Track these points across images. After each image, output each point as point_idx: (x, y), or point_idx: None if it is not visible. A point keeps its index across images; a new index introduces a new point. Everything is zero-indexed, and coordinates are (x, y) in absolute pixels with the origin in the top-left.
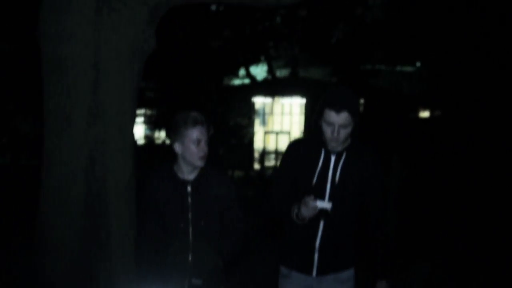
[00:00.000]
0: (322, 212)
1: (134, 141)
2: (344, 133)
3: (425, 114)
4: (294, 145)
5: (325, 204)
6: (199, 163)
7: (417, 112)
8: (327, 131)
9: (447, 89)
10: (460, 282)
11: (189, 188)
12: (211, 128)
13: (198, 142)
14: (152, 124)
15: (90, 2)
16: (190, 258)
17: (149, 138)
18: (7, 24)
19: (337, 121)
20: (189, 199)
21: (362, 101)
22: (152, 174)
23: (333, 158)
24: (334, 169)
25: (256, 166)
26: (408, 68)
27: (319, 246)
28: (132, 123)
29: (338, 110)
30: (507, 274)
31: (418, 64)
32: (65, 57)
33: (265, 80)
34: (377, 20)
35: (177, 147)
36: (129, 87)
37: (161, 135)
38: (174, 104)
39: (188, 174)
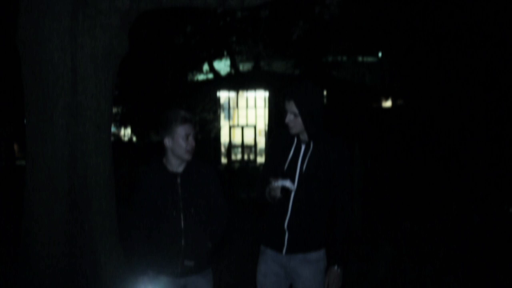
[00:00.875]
0: (284, 190)
1: (110, 138)
2: (295, 120)
3: (387, 103)
4: (276, 136)
5: (287, 183)
6: (187, 157)
7: (379, 102)
8: (286, 118)
9: (408, 78)
10: (421, 262)
11: (178, 180)
12: (197, 125)
13: (186, 137)
14: (118, 121)
15: (66, 10)
16: (182, 242)
17: (116, 136)
18: None
19: (288, 108)
20: (179, 190)
21: (325, 92)
22: (145, 168)
23: (303, 147)
24: (303, 157)
25: (223, 160)
26: (370, 59)
27: (287, 227)
28: (109, 121)
29: (288, 99)
30: (463, 249)
31: (379, 54)
32: (44, 62)
33: (229, 75)
34: (335, 17)
35: (167, 142)
36: (105, 88)
37: (127, 132)
38: (139, 101)
39: (177, 167)
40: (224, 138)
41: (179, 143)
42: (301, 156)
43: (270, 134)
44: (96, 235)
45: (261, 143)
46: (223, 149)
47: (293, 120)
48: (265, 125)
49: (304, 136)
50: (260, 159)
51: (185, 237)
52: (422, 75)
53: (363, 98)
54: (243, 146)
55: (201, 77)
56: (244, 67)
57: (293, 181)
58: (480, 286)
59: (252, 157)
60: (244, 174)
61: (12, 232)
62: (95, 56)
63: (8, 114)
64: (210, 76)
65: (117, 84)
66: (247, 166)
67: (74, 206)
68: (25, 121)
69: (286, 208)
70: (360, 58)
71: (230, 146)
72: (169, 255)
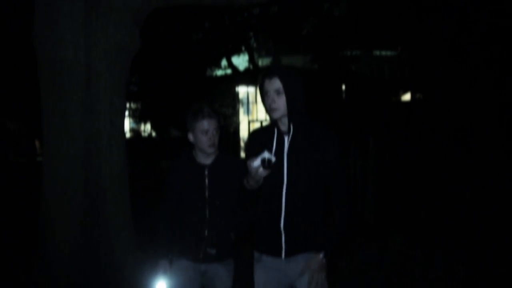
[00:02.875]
0: (265, 162)
1: (124, 133)
2: (279, 99)
3: (406, 97)
4: (252, 134)
5: (264, 154)
6: (209, 150)
7: (398, 95)
8: (267, 101)
9: (427, 72)
10: (431, 252)
11: (206, 172)
12: (221, 119)
13: (206, 132)
14: (137, 117)
15: (80, 9)
16: (206, 232)
17: (135, 131)
18: None
19: (269, 88)
20: (206, 181)
21: (343, 87)
22: (176, 159)
23: (286, 138)
24: (288, 148)
25: (243, 154)
26: (389, 53)
27: (284, 228)
28: (122, 116)
29: (269, 77)
30: (472, 243)
31: (399, 48)
32: (59, 60)
33: (247, 70)
34: (353, 11)
35: (190, 137)
36: (118, 84)
37: (147, 128)
38: (158, 97)
39: (204, 159)
40: (243, 133)
41: (199, 137)
42: (286, 147)
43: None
44: (111, 226)
45: None
46: (242, 144)
47: (277, 99)
48: None
49: (285, 125)
50: None
51: (208, 227)
52: (441, 68)
53: (381, 92)
54: None
55: (219, 72)
56: (263, 62)
57: (281, 177)
58: (489, 275)
59: None
60: None
61: (32, 225)
62: (108, 53)
63: (29, 111)
64: (229, 71)
65: (137, 80)
66: None
67: (90, 198)
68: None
69: (279, 207)
70: (378, 52)
71: None
72: (192, 243)
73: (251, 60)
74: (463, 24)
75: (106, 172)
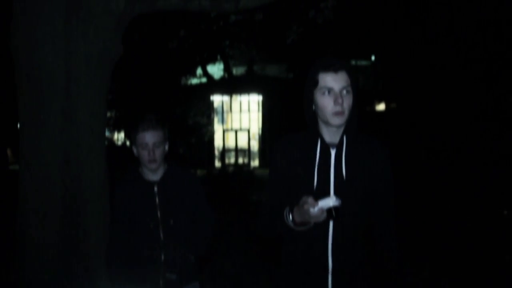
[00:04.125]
0: (332, 212)
1: (105, 142)
2: (348, 100)
3: (381, 107)
4: (282, 144)
5: (332, 201)
6: (149, 166)
7: (373, 105)
8: (328, 102)
9: (401, 81)
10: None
11: (155, 189)
12: (165, 131)
13: (146, 146)
14: (111, 126)
15: (60, 13)
16: (162, 256)
17: (109, 140)
18: None
19: (337, 85)
20: (157, 200)
21: None
22: (121, 177)
23: (333, 152)
24: (336, 162)
25: (217, 164)
26: (363, 63)
27: (332, 267)
28: (103, 125)
29: (336, 70)
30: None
31: (373, 58)
32: (38, 66)
33: (222, 79)
34: (329, 20)
35: (134, 150)
36: (99, 91)
37: (120, 137)
38: (133, 105)
39: (152, 175)
40: (218, 142)
41: (139, 151)
42: (333, 161)
43: (264, 138)
44: (90, 239)
45: (255, 146)
46: (217, 153)
47: (345, 99)
48: (258, 128)
49: (333, 135)
50: (254, 163)
51: (165, 250)
52: (415, 78)
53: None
54: (237, 149)
55: (194, 81)
56: (238, 71)
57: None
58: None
59: (246, 160)
60: (238, 177)
61: (7, 236)
62: (89, 59)
63: (1, 119)
64: (204, 80)
65: (111, 88)
66: (241, 169)
67: (69, 210)
68: (18, 126)
69: (325, 240)
70: (353, 62)
71: (224, 150)
72: (148, 270)
73: (227, 69)
74: (437, 34)
75: (86, 184)
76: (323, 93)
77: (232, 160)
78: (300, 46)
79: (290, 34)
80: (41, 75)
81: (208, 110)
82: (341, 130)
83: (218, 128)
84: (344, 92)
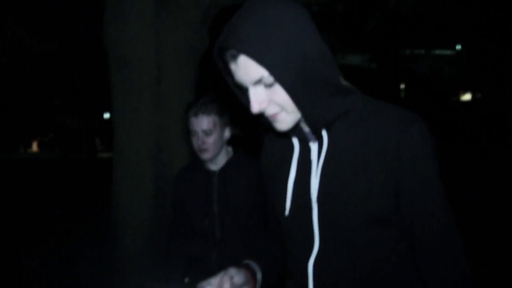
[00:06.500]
0: None
1: None
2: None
3: (466, 97)
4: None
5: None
6: (201, 156)
7: (458, 95)
8: None
9: (488, 71)
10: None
11: (215, 180)
12: (223, 116)
13: (195, 133)
14: None
15: (150, 7)
16: (214, 256)
17: None
18: (56, 25)
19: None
20: (214, 193)
21: (402, 86)
22: (183, 166)
23: (313, 147)
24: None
25: None
26: (448, 52)
27: None
28: None
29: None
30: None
31: (458, 47)
32: (130, 57)
33: None
34: (412, 8)
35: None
36: (188, 81)
37: None
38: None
39: (212, 164)
40: None
41: (191, 139)
42: (313, 161)
43: None
44: None
45: None
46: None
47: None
48: None
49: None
50: None
51: (218, 251)
52: (504, 67)
53: (440, 91)
54: None
55: None
56: None
57: (309, 220)
58: None
59: None
60: None
61: (100, 217)
62: (178, 50)
63: (91, 110)
64: None
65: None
66: None
67: (159, 192)
68: (107, 116)
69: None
70: (438, 51)
71: None
72: (199, 271)
73: None
74: None
75: (176, 169)
76: None
77: None
78: (383, 35)
79: (371, 22)
80: (132, 66)
81: None
82: None
83: None
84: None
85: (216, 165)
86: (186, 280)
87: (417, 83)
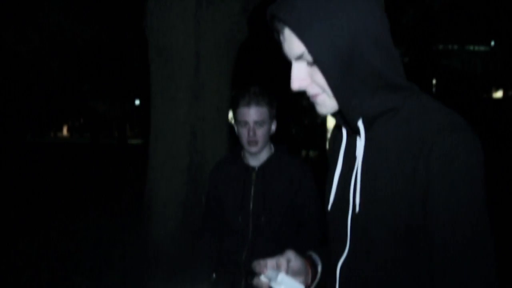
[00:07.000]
0: None
1: (228, 121)
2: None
3: (498, 94)
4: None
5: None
6: (249, 149)
7: (490, 92)
8: None
9: None
10: None
11: (253, 176)
12: (272, 108)
13: (245, 124)
14: None
15: None
16: (243, 256)
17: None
18: (94, 11)
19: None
20: (252, 189)
21: (434, 81)
22: (220, 159)
23: (359, 143)
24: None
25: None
26: (482, 48)
27: None
28: (227, 103)
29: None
30: None
31: (492, 43)
32: (169, 46)
33: None
34: (446, 4)
35: (235, 128)
36: (225, 72)
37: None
38: (250, 83)
39: (252, 159)
40: (330, 124)
41: (239, 130)
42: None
43: None
44: None
45: None
46: (329, 134)
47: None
48: None
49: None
50: None
51: (248, 250)
52: None
53: (472, 88)
54: None
55: None
56: None
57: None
58: None
59: None
60: None
61: (128, 204)
62: (217, 41)
63: (122, 96)
64: None
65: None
66: None
67: (192, 181)
68: (140, 102)
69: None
70: (471, 47)
71: None
72: (229, 270)
73: None
74: None
75: (209, 157)
76: None
77: None
78: (416, 30)
79: (406, 17)
80: (172, 54)
81: None
82: None
83: None
84: None
85: (257, 161)
86: (213, 277)
87: (449, 79)
